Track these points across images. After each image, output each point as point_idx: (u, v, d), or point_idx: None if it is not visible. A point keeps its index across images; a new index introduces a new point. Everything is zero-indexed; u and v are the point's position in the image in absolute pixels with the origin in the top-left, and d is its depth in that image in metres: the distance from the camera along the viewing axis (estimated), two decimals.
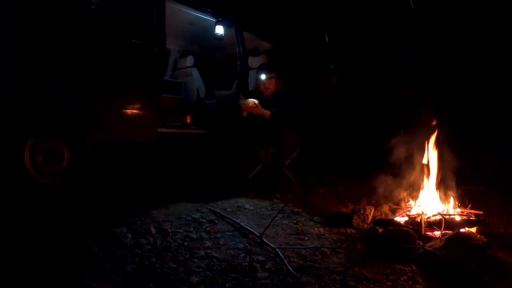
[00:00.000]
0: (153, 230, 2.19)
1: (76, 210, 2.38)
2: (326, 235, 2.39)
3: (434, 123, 2.89)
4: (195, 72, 5.07)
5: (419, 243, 2.14)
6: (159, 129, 3.28)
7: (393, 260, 1.94)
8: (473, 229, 2.35)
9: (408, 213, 2.64)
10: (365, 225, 2.57)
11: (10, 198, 2.37)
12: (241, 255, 1.97)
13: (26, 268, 1.60)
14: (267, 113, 3.54)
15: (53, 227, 2.07)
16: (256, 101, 3.53)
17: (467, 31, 4.64)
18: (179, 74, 5.28)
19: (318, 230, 2.43)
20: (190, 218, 2.50)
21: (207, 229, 2.34)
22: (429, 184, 2.74)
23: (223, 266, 1.82)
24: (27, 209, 2.26)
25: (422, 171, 2.80)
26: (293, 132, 3.64)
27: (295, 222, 2.59)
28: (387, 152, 3.08)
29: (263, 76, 3.73)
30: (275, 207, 2.97)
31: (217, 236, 2.24)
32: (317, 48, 4.58)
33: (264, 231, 2.37)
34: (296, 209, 2.94)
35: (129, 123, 2.98)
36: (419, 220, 2.42)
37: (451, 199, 2.68)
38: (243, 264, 1.85)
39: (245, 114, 3.52)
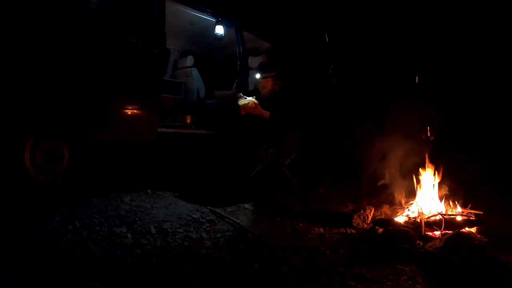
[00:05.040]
0: (153, 230, 2.18)
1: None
2: (326, 235, 2.39)
3: (434, 123, 2.89)
4: (195, 72, 5.08)
5: (419, 243, 2.14)
6: (159, 129, 3.28)
7: (393, 260, 1.94)
8: (473, 229, 2.35)
9: (408, 213, 2.64)
10: (365, 225, 2.57)
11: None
12: (241, 255, 1.96)
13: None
14: (266, 113, 3.54)
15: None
16: (255, 101, 3.53)
17: (466, 31, 4.64)
18: (179, 74, 5.28)
19: (318, 230, 2.43)
20: (190, 218, 2.50)
21: (207, 229, 2.34)
22: (429, 184, 2.74)
23: (223, 266, 1.82)
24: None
25: (422, 171, 2.80)
26: (293, 132, 3.64)
27: (295, 222, 2.59)
28: (387, 152, 3.08)
29: (260, 75, 3.73)
30: (275, 208, 2.96)
31: (217, 236, 2.24)
32: (317, 48, 4.58)
33: (264, 231, 2.37)
34: (296, 209, 2.94)
35: (129, 123, 2.99)
36: (419, 220, 2.42)
37: (451, 199, 2.68)
38: (243, 264, 1.85)
39: (243, 113, 3.52)
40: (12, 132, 2.49)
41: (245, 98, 3.57)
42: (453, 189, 2.73)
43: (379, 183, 3.06)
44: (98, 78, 2.77)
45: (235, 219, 2.52)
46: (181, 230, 2.26)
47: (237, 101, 3.58)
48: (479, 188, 3.20)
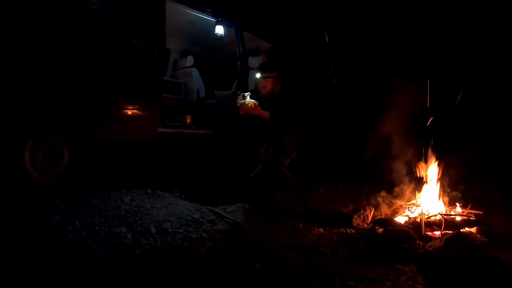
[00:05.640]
0: (153, 230, 2.18)
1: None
2: (326, 235, 2.38)
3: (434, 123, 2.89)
4: (195, 72, 5.08)
5: (419, 243, 2.14)
6: (159, 129, 3.28)
7: (393, 260, 1.94)
8: (473, 229, 2.35)
9: (408, 213, 2.64)
10: (365, 225, 2.57)
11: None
12: (241, 255, 1.96)
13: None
14: (266, 114, 3.54)
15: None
16: (255, 102, 3.53)
17: (467, 32, 4.64)
18: (179, 74, 5.28)
19: (318, 230, 2.43)
20: (190, 218, 2.50)
21: (207, 229, 2.34)
22: (430, 184, 2.74)
23: (223, 266, 1.82)
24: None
25: (422, 171, 2.80)
26: (293, 132, 3.64)
27: (295, 222, 2.59)
28: (388, 152, 3.08)
29: (261, 75, 3.73)
30: (275, 208, 2.96)
31: (217, 236, 2.24)
32: (317, 48, 4.58)
33: (264, 231, 2.37)
34: (296, 209, 2.94)
35: (129, 123, 2.99)
36: (419, 220, 2.42)
37: (451, 199, 2.67)
38: (243, 264, 1.85)
39: (241, 112, 3.52)
40: (12, 132, 2.49)
41: (245, 99, 3.57)
42: (453, 189, 2.73)
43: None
44: (98, 78, 2.77)
45: (235, 219, 2.52)
46: (181, 230, 2.26)
47: (236, 101, 3.59)
48: (479, 188, 3.20)
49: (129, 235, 2.08)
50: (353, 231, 2.49)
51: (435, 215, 2.43)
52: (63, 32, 2.59)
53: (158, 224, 2.32)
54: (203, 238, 2.18)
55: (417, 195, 2.77)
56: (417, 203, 2.72)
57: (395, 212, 2.73)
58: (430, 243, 2.08)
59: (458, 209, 2.59)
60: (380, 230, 2.35)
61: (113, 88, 2.88)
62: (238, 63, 4.28)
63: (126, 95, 2.95)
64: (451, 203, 2.67)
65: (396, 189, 3.02)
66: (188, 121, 4.15)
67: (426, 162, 2.77)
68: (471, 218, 2.46)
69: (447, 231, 2.25)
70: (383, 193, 3.09)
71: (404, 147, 3.04)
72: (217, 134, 4.10)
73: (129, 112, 2.96)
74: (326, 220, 2.65)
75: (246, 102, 3.52)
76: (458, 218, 2.45)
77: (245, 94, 3.58)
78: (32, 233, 1.96)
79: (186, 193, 3.16)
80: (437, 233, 2.32)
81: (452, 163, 2.78)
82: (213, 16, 3.99)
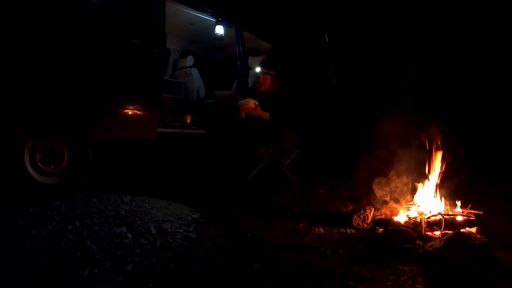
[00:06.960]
0: (153, 230, 2.18)
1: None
2: (326, 235, 2.39)
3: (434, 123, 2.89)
4: (195, 72, 5.07)
5: (419, 243, 2.14)
6: (159, 129, 3.28)
7: (393, 260, 1.94)
8: (473, 229, 2.35)
9: (408, 213, 2.64)
10: (365, 225, 2.57)
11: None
12: (241, 255, 1.96)
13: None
14: (266, 115, 3.54)
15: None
16: (256, 102, 3.53)
17: (467, 32, 4.64)
18: (179, 74, 5.28)
19: (318, 230, 2.43)
20: (190, 218, 2.50)
21: (207, 229, 2.34)
22: (430, 184, 2.74)
23: (223, 266, 1.82)
24: None
25: (422, 171, 2.80)
26: (293, 132, 3.64)
27: (295, 222, 2.59)
28: (388, 152, 3.08)
29: (260, 69, 3.72)
30: (275, 208, 2.97)
31: (217, 236, 2.24)
32: (317, 48, 4.57)
33: (264, 231, 2.37)
34: (296, 209, 2.94)
35: (129, 123, 2.98)
36: (419, 220, 2.42)
37: (451, 199, 2.67)
38: (243, 264, 1.85)
39: (243, 115, 3.52)
40: (12, 132, 2.49)
41: (244, 99, 3.57)
42: (453, 189, 2.72)
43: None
44: (98, 78, 2.77)
45: (235, 219, 2.52)
46: (181, 230, 2.26)
47: (237, 101, 3.59)
48: (479, 188, 3.20)
49: (129, 235, 2.08)
50: (353, 231, 2.49)
51: (435, 215, 2.43)
52: (63, 32, 2.59)
53: (158, 224, 2.32)
54: (203, 238, 2.18)
55: (417, 195, 2.77)
56: (417, 203, 2.72)
57: (395, 212, 2.73)
58: (430, 243, 2.08)
59: (458, 209, 2.59)
60: (380, 230, 2.35)
61: (113, 88, 2.87)
62: (238, 63, 4.28)
63: (126, 95, 2.95)
64: (451, 203, 2.67)
65: (397, 189, 3.02)
66: (188, 121, 4.15)
67: (429, 162, 2.77)
68: (471, 218, 2.46)
69: (447, 231, 2.25)
70: (384, 193, 3.08)
71: (403, 146, 3.03)
72: (217, 134, 4.10)
73: (129, 112, 2.96)
74: (326, 220, 2.65)
75: (247, 102, 3.52)
76: (458, 218, 2.45)
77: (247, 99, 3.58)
78: (32, 233, 1.96)
79: (186, 193, 3.16)
80: (437, 233, 2.32)
81: (452, 163, 2.78)
82: (213, 16, 3.99)
